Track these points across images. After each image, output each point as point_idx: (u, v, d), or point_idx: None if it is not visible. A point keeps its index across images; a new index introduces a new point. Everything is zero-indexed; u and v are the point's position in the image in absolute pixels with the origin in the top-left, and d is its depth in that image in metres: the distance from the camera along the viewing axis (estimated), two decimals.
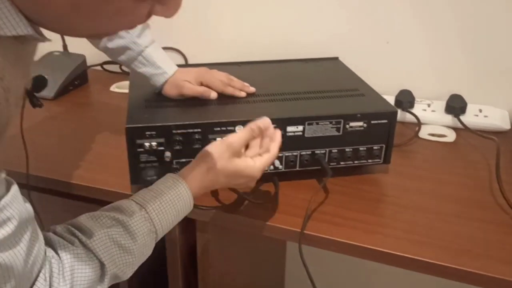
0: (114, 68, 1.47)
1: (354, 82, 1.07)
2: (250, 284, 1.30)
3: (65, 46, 1.39)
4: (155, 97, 0.97)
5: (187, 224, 0.94)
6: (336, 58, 1.22)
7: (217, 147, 0.73)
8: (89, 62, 1.42)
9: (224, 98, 0.97)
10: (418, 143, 1.12)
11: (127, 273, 0.66)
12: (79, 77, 1.37)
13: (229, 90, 0.97)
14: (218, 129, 0.88)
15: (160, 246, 0.97)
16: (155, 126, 0.85)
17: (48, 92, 1.29)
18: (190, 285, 1.02)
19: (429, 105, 1.21)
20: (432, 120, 1.18)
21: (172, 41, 1.42)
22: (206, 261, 0.96)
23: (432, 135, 1.14)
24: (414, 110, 1.19)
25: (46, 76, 1.30)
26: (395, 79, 1.25)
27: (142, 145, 0.85)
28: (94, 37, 0.55)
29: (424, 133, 1.15)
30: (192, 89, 0.95)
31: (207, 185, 0.74)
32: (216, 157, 0.73)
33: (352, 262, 1.56)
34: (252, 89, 1.00)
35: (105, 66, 1.47)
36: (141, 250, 0.66)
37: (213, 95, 0.96)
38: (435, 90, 1.25)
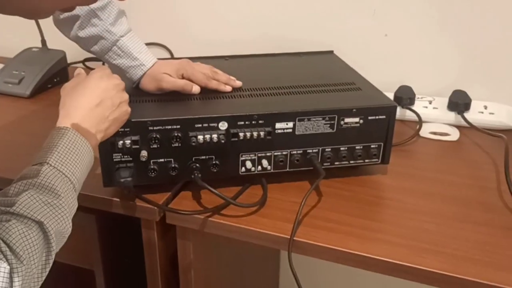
0: (97, 65, 1.39)
1: (350, 76, 0.99)
2: None
3: (43, 41, 1.32)
4: (132, 92, 0.89)
5: (167, 231, 0.86)
6: (331, 52, 1.14)
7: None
8: (70, 58, 1.35)
9: (208, 93, 0.90)
10: (419, 142, 1.04)
11: (66, 227, 0.60)
12: (58, 74, 1.29)
13: (213, 84, 0.89)
14: (200, 125, 0.80)
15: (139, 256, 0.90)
16: (129, 122, 0.77)
17: (23, 89, 1.22)
18: None
19: (430, 102, 1.14)
20: (434, 117, 1.11)
21: (157, 36, 1.35)
22: (188, 271, 0.88)
23: (434, 133, 1.07)
24: (414, 107, 1.12)
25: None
26: (394, 75, 1.19)
27: (114, 143, 0.78)
28: (31, 14, 0.48)
29: (425, 131, 1.07)
30: (172, 82, 0.87)
31: (83, 113, 0.69)
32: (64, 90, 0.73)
33: (351, 272, 1.48)
34: (238, 83, 0.92)
35: (87, 63, 1.40)
36: (67, 201, 0.61)
37: (195, 89, 0.88)
38: (437, 86, 1.18)
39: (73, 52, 1.34)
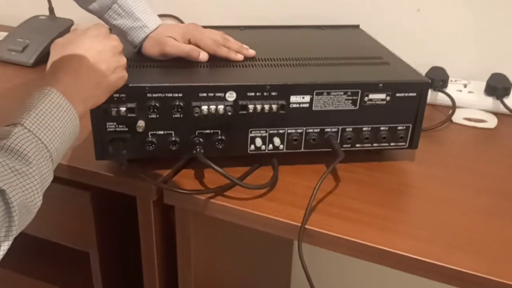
0: None
1: (377, 50, 0.90)
2: (245, 286, 1.14)
3: (51, 9, 1.24)
4: (133, 56, 0.81)
5: (165, 212, 0.79)
6: (357, 26, 1.05)
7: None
8: (78, 28, 1.27)
9: (216, 61, 0.81)
10: (451, 128, 0.95)
11: (34, 200, 0.52)
12: None
13: (223, 51, 0.81)
14: (204, 94, 0.71)
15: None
16: (126, 87, 0.69)
17: (27, 58, 1.15)
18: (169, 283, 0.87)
19: (465, 86, 1.04)
20: (469, 103, 1.01)
21: (169, 7, 1.27)
22: (188, 257, 0.80)
23: (469, 119, 0.97)
24: (447, 91, 1.01)
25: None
26: (426, 54, 1.09)
27: (108, 111, 0.70)
28: None
29: (458, 117, 0.97)
30: (177, 47, 0.79)
31: (72, 75, 0.62)
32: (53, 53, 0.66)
33: (368, 266, 1.38)
34: (251, 52, 0.83)
35: None
36: (39, 171, 0.53)
37: (203, 55, 0.80)
38: (474, 68, 1.08)
39: (82, 21, 1.27)
